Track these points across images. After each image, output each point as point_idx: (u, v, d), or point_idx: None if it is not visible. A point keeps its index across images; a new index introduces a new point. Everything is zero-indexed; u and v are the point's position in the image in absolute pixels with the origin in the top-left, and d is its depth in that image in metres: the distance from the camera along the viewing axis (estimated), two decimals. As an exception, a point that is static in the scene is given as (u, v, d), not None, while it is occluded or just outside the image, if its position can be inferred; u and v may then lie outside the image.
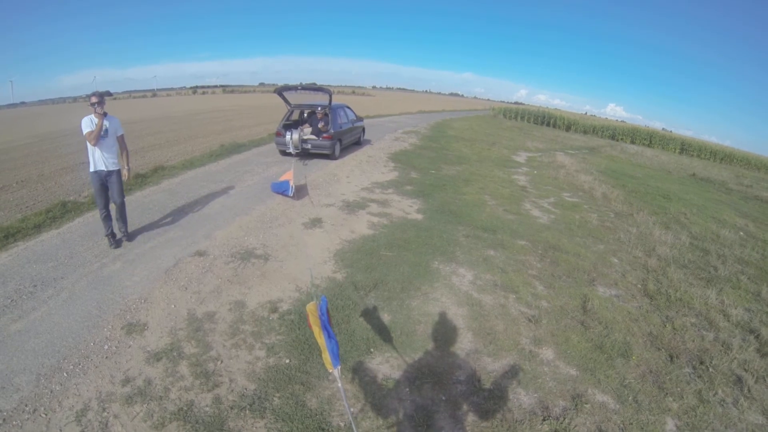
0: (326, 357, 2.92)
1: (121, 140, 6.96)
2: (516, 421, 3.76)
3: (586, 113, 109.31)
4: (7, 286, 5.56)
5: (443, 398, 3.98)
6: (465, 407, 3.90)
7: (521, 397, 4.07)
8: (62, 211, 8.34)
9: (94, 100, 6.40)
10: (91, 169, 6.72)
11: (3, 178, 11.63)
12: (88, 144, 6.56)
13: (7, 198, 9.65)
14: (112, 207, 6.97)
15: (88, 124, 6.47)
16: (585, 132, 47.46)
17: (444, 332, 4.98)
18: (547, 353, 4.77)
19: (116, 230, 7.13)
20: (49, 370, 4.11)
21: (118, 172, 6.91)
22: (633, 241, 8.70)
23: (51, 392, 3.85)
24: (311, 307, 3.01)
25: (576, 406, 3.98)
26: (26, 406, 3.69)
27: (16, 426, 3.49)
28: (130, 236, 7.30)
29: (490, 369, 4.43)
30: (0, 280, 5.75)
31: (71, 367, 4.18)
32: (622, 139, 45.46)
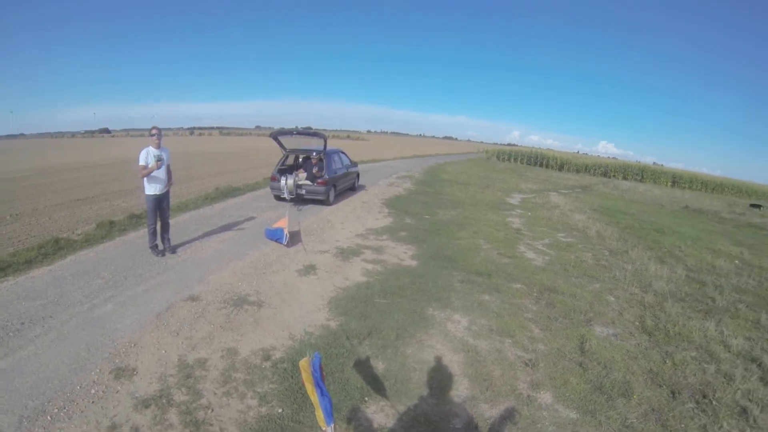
0: (319, 414, 2.88)
1: (168, 168, 8.28)
2: (516, 469, 3.66)
3: (578, 152, 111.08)
4: (-7, 322, 5.51)
5: (440, 447, 3.88)
6: (463, 456, 3.80)
7: (520, 443, 3.97)
8: (55, 248, 8.34)
9: (154, 132, 7.96)
10: (150, 193, 8.06)
11: (-4, 211, 11.64)
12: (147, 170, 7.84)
13: (-1, 231, 9.63)
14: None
15: (144, 156, 7.81)
16: (578, 170, 48.12)
17: (440, 379, 4.89)
18: (546, 397, 4.67)
19: (160, 244, 8.52)
20: (32, 412, 4.00)
21: (168, 193, 8.41)
22: (629, 278, 8.66)
23: (33, 436, 3.76)
24: (304, 364, 2.96)
25: (577, 450, 3.88)
26: (7, 449, 3.58)
27: (-4, 469, 3.40)
28: (173, 248, 8.65)
29: (487, 415, 4.33)
30: (-14, 315, 5.70)
31: (56, 410, 4.06)
32: (614, 175, 46.13)
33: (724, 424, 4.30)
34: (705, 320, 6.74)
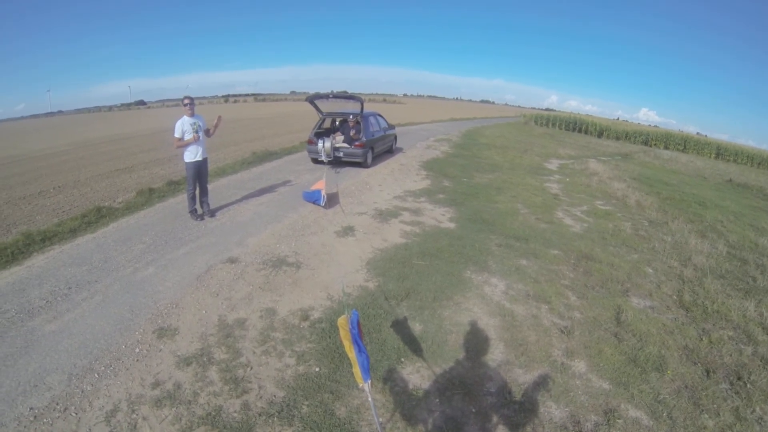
0: (357, 371, 2.93)
1: (206, 132, 8.58)
2: (547, 435, 3.71)
3: (618, 119, 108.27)
4: (42, 288, 5.79)
5: (473, 410, 3.95)
6: (495, 419, 3.87)
7: (552, 411, 4.02)
8: (97, 217, 8.61)
9: (186, 101, 8.11)
10: (189, 160, 8.30)
11: (40, 184, 12.04)
12: (185, 138, 8.15)
13: (44, 203, 10.00)
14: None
15: (180, 126, 8.09)
16: (617, 138, 46.93)
17: (475, 343, 4.96)
18: (580, 366, 4.70)
19: (199, 208, 8.74)
20: (81, 370, 4.25)
21: (206, 159, 8.65)
22: (668, 251, 8.51)
23: (82, 392, 3.97)
24: (342, 321, 3.02)
25: (608, 421, 3.91)
26: (57, 404, 3.81)
27: (47, 424, 3.60)
28: (212, 212, 8.87)
29: (521, 381, 4.39)
30: (36, 281, 5.99)
31: (102, 368, 4.30)
32: (655, 144, 44.76)
33: (757, 409, 4.24)
34: (745, 300, 6.60)
